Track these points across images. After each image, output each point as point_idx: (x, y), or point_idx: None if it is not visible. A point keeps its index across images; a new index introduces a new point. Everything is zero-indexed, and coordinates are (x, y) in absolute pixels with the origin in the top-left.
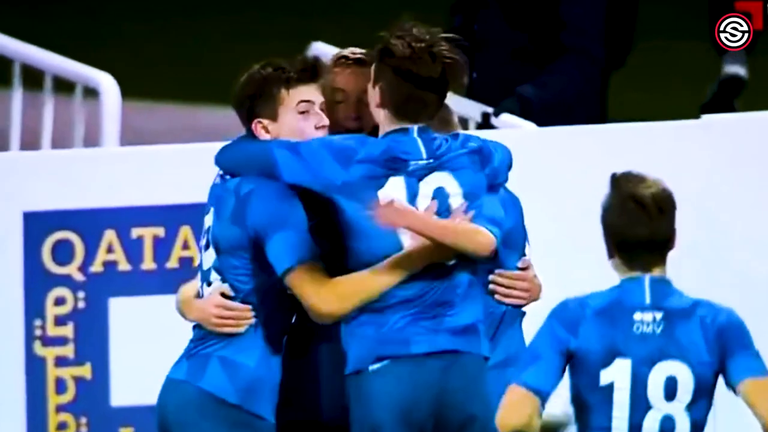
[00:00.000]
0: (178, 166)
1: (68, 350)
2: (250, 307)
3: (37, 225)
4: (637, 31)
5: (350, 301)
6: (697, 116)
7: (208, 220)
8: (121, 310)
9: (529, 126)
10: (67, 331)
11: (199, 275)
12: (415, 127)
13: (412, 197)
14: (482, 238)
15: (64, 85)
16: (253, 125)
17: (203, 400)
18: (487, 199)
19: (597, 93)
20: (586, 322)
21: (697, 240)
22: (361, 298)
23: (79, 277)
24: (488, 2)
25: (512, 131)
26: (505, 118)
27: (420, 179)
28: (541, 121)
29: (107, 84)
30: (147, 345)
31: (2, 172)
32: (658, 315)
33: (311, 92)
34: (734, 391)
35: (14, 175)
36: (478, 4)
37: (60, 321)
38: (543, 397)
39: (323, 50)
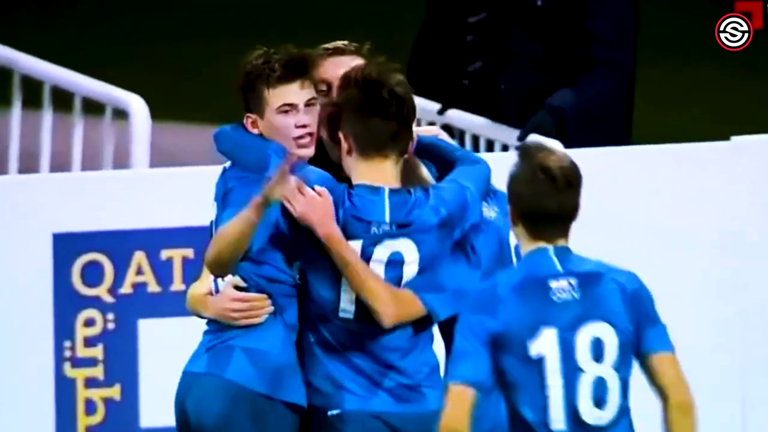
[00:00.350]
0: (208, 188)
1: (98, 371)
2: (265, 296)
3: (66, 247)
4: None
5: (214, 249)
6: (725, 137)
7: (213, 214)
8: (151, 331)
9: (555, 146)
10: (97, 352)
11: None
12: (387, 189)
13: (365, 261)
14: (398, 308)
15: (93, 107)
16: (245, 118)
17: (231, 391)
18: (445, 263)
19: (624, 107)
20: (504, 302)
21: (724, 261)
22: (219, 246)
23: (108, 298)
24: (507, 22)
25: None
26: (534, 138)
27: (377, 243)
28: (571, 135)
29: (137, 105)
30: (176, 366)
31: (32, 193)
32: (573, 281)
33: (293, 92)
34: (641, 361)
35: (44, 196)
36: (503, 22)
37: (89, 342)
38: (479, 388)
39: None
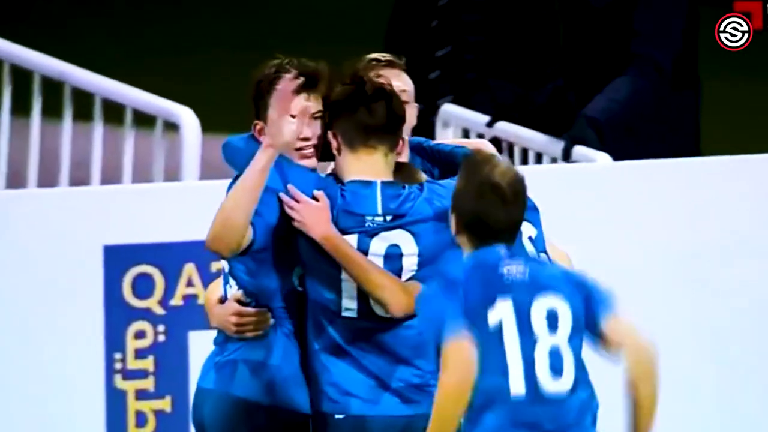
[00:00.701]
0: None
1: (148, 383)
2: (265, 309)
3: (117, 259)
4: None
5: (220, 216)
6: None
7: None
8: (201, 343)
9: (604, 158)
10: (147, 364)
11: (222, 276)
12: (379, 182)
13: (362, 254)
14: (406, 296)
15: (144, 119)
16: (253, 125)
17: (238, 407)
18: (447, 257)
19: (664, 106)
20: (463, 282)
21: None
22: (226, 209)
23: (158, 310)
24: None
25: (599, 166)
26: (580, 150)
27: (373, 236)
28: (608, 142)
29: (187, 118)
30: None
31: (83, 206)
32: (522, 267)
33: (298, 103)
34: (598, 337)
35: (95, 209)
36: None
37: (140, 354)
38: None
39: (453, 111)
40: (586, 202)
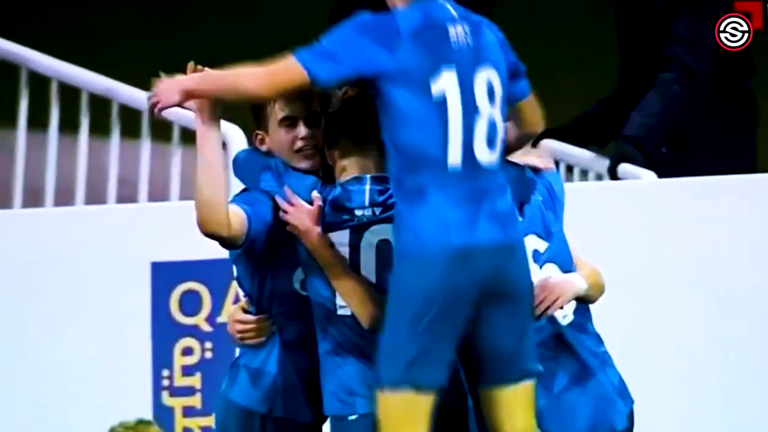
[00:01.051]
0: None
1: (195, 400)
2: (266, 316)
3: (164, 276)
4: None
5: (196, 211)
6: None
7: None
8: None
9: (649, 176)
10: (195, 381)
11: None
12: (369, 176)
13: (353, 247)
14: (376, 309)
15: (191, 136)
16: (254, 135)
17: (235, 412)
18: None
19: (745, 135)
20: (404, 44)
21: None
22: (196, 203)
23: (206, 327)
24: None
25: (644, 183)
26: (626, 168)
27: (365, 229)
28: (653, 158)
29: (234, 134)
30: None
31: (131, 223)
32: (467, 27)
33: (293, 106)
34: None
35: (142, 226)
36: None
37: (187, 371)
38: (314, 80)
39: None
40: (631, 219)
